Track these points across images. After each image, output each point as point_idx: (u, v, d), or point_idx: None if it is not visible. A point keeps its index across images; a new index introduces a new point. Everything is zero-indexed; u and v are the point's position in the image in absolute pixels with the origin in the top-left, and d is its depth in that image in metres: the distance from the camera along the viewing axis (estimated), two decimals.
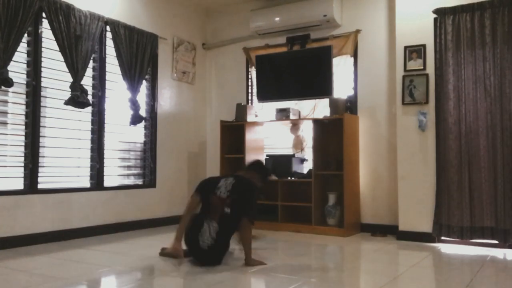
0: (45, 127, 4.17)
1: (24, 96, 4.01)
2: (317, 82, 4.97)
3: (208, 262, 3.24)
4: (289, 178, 4.95)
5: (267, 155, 5.34)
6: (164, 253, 3.54)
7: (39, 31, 4.07)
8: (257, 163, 3.79)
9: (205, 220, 3.24)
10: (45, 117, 4.17)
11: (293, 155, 5.09)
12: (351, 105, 4.89)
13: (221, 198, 3.28)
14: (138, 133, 5.16)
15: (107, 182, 4.67)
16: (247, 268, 3.17)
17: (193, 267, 3.25)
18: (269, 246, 4.02)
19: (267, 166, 4.05)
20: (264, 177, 3.65)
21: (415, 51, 4.37)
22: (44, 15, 4.05)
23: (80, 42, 4.26)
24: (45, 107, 4.18)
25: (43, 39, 4.10)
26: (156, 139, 5.25)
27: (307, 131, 5.15)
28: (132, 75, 4.82)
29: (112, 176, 4.81)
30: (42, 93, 4.11)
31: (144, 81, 5.07)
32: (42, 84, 4.09)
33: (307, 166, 5.08)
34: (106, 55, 4.69)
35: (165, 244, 3.70)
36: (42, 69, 4.10)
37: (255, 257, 3.28)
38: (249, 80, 5.77)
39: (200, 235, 3.18)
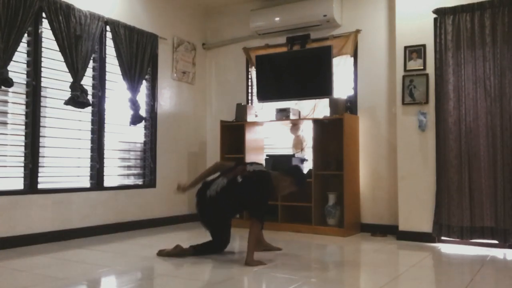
0: (45, 127, 4.17)
1: (24, 96, 4.01)
2: (317, 82, 4.97)
3: (204, 215, 3.58)
4: None
5: (267, 155, 5.34)
6: (162, 253, 3.55)
7: (39, 31, 4.07)
8: (295, 167, 3.92)
9: (221, 176, 3.58)
10: (45, 117, 4.17)
11: (293, 155, 5.09)
12: (351, 105, 4.89)
13: (245, 169, 3.53)
14: (138, 133, 5.16)
15: (107, 182, 4.67)
16: (247, 268, 3.17)
17: (193, 268, 3.26)
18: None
19: (304, 172, 4.02)
20: (299, 181, 3.58)
21: (415, 51, 4.37)
22: (44, 15, 4.05)
23: (80, 42, 4.26)
24: (45, 107, 4.18)
25: (43, 39, 4.10)
26: (156, 139, 5.25)
27: (307, 131, 5.15)
28: (132, 75, 4.82)
29: (112, 176, 4.81)
30: (42, 93, 4.11)
31: (144, 81, 5.07)
32: (42, 84, 4.09)
33: (307, 166, 5.08)
34: (106, 55, 4.69)
35: (164, 245, 3.70)
36: (42, 69, 4.10)
37: (255, 257, 3.30)
38: (249, 80, 5.77)
39: (212, 185, 3.52)
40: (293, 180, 3.52)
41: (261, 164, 3.73)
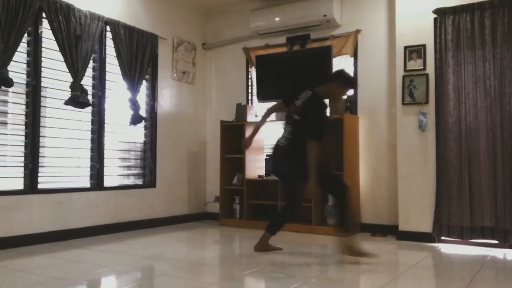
0: (45, 127, 4.17)
1: (24, 96, 4.01)
2: (317, 82, 4.96)
3: (279, 159, 3.61)
4: None
5: (267, 155, 5.34)
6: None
7: (39, 31, 4.07)
8: (336, 72, 3.78)
9: (285, 126, 3.65)
10: (45, 117, 4.17)
11: None
12: (351, 105, 4.89)
13: (296, 106, 3.55)
14: (138, 133, 5.15)
15: (107, 182, 4.67)
16: (247, 268, 3.16)
17: (193, 268, 3.26)
18: None
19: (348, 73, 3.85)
20: (346, 80, 3.59)
21: (415, 51, 4.37)
22: (44, 15, 4.05)
23: (80, 42, 4.26)
24: (45, 107, 4.18)
25: (43, 39, 4.10)
26: (156, 139, 5.24)
27: None
28: (132, 75, 4.82)
29: (112, 176, 4.81)
30: (42, 93, 4.11)
31: (144, 81, 5.07)
32: (42, 84, 4.09)
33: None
34: (106, 55, 4.69)
35: (164, 245, 3.70)
36: (42, 69, 4.10)
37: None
38: (249, 80, 5.77)
39: (280, 138, 3.64)
40: (339, 82, 3.54)
41: (305, 91, 3.63)
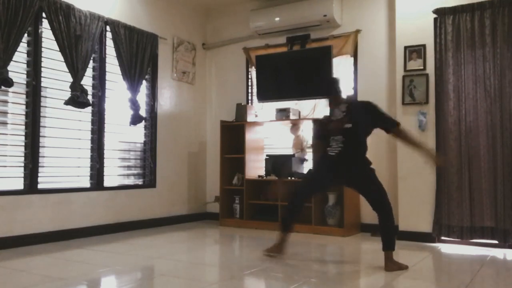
0: (45, 127, 4.17)
1: (24, 96, 4.01)
2: (317, 82, 4.97)
3: (341, 164, 3.39)
4: (289, 178, 4.95)
5: (267, 155, 5.34)
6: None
7: (39, 31, 4.07)
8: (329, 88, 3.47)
9: (330, 140, 3.37)
10: (45, 117, 4.17)
11: (293, 155, 5.09)
12: None
13: (338, 119, 3.36)
14: (138, 133, 5.15)
15: (107, 182, 4.67)
16: (248, 268, 3.16)
17: (193, 268, 3.26)
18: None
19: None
20: (333, 91, 3.40)
21: (415, 51, 4.37)
22: (44, 15, 4.05)
23: (80, 42, 4.26)
24: (45, 107, 4.18)
25: (43, 39, 4.10)
26: (156, 139, 5.25)
27: (307, 131, 5.15)
28: (132, 75, 4.82)
29: (112, 176, 4.81)
30: (42, 93, 4.11)
31: (144, 81, 5.07)
32: (42, 84, 4.09)
33: (307, 166, 5.08)
34: (106, 55, 4.69)
35: (164, 245, 3.70)
36: (42, 69, 4.10)
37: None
38: (249, 80, 5.77)
39: (329, 150, 3.36)
40: (335, 95, 3.40)
41: (335, 107, 3.42)
